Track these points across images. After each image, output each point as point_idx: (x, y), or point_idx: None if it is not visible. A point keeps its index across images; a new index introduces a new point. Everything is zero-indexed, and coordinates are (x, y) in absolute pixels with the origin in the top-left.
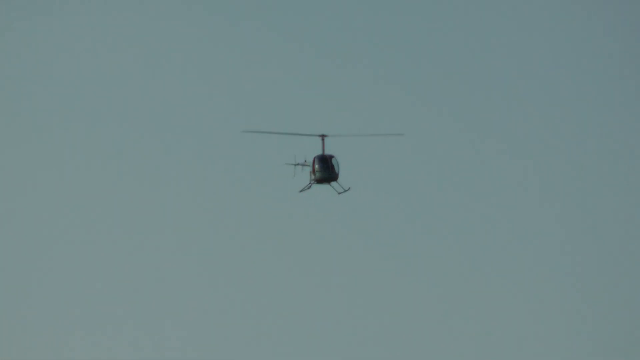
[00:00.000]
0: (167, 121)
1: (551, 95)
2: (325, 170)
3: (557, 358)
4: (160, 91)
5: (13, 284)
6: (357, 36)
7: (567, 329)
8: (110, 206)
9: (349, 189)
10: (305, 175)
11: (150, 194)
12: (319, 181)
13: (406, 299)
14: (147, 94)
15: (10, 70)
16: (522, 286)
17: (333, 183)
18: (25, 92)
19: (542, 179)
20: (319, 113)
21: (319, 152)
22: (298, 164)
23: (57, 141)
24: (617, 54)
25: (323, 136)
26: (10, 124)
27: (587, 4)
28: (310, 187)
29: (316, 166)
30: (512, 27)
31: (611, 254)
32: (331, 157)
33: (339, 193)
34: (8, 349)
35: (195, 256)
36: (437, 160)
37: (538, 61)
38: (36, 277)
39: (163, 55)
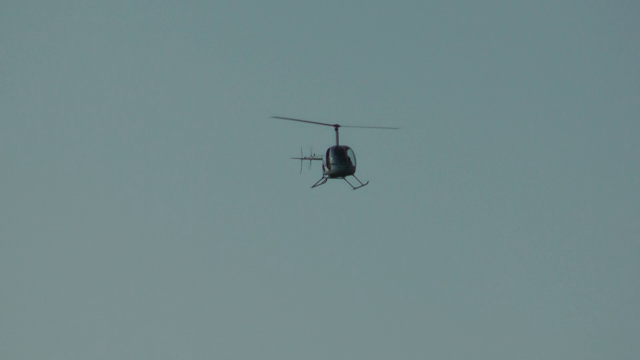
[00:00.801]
0: (175, 118)
1: (555, 93)
2: (341, 163)
3: None
4: (169, 86)
5: (13, 284)
6: (363, 31)
7: (570, 336)
8: (118, 205)
9: (367, 183)
10: (316, 170)
11: (161, 193)
12: (334, 175)
13: (423, 299)
14: (155, 88)
15: (10, 71)
16: (541, 285)
17: (349, 177)
18: (27, 94)
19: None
20: (330, 104)
21: (333, 144)
22: (305, 158)
23: (61, 142)
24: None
25: (337, 126)
26: (11, 125)
27: (587, 4)
28: (325, 181)
29: (330, 159)
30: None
31: (611, 262)
32: (347, 148)
33: (355, 188)
34: (8, 349)
35: (201, 256)
36: (456, 153)
37: (545, 57)
38: (40, 279)
39: (172, 47)
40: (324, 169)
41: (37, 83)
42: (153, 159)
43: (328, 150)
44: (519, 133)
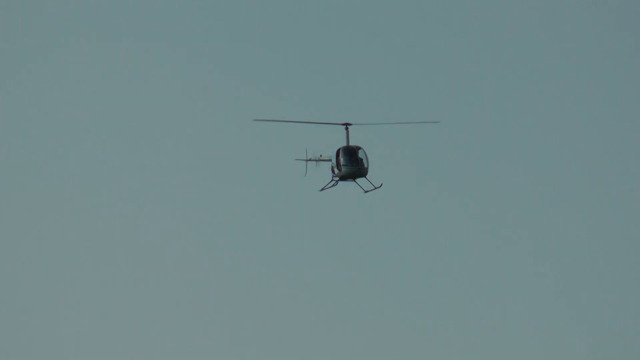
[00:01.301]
0: (177, 120)
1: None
2: (353, 164)
3: None
4: (171, 86)
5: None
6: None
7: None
8: (120, 207)
9: (380, 186)
10: (323, 173)
11: (163, 197)
12: (345, 177)
13: (435, 306)
14: (158, 87)
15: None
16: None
17: (360, 179)
18: (26, 94)
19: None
20: (340, 101)
21: (343, 144)
22: (311, 160)
23: (58, 145)
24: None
25: (347, 125)
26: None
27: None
28: (335, 184)
29: (341, 160)
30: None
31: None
32: (358, 148)
33: (366, 191)
34: (8, 349)
35: (207, 263)
36: (470, 155)
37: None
38: (40, 280)
39: (174, 45)
40: (333, 171)
41: (36, 83)
42: (156, 163)
43: (338, 151)
44: (539, 135)
